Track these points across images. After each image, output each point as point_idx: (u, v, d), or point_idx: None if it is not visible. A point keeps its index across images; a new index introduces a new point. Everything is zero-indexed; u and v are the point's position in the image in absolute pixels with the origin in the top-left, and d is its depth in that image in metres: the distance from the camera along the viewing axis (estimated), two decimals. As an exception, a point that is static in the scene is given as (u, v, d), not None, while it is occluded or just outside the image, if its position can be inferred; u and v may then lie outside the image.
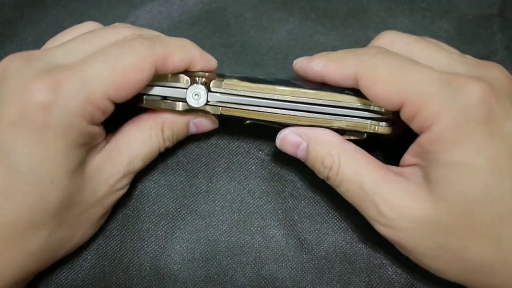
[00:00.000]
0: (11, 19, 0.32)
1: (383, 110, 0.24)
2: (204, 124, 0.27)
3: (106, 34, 0.24)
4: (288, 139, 0.25)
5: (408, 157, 0.24)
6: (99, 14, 0.33)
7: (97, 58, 0.22)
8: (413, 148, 0.23)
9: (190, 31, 0.32)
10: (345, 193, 0.24)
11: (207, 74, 0.24)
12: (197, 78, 0.24)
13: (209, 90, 0.24)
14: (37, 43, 0.32)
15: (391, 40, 0.24)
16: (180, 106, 0.25)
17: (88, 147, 0.23)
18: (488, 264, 0.21)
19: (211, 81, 0.24)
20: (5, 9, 0.33)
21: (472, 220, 0.21)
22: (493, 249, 0.21)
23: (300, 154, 0.25)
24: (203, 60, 0.25)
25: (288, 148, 0.26)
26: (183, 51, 0.24)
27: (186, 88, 0.24)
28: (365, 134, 0.25)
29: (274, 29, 0.32)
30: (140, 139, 0.25)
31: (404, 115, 0.22)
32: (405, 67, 0.22)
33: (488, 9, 0.33)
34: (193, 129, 0.27)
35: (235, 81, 0.24)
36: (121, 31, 0.24)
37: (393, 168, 0.24)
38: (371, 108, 0.24)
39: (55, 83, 0.20)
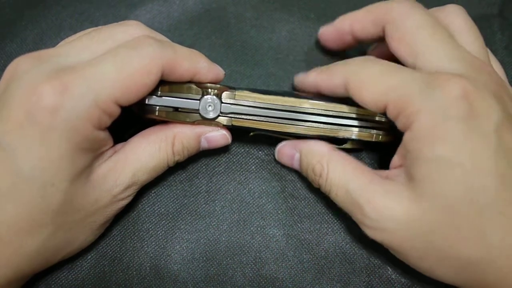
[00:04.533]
0: (11, 19, 0.32)
1: (383, 119, 0.25)
2: (216, 139, 0.26)
3: (114, 33, 0.23)
4: (284, 151, 0.27)
5: (396, 159, 0.24)
6: (99, 14, 0.33)
7: (105, 60, 0.21)
8: (399, 150, 0.23)
9: (190, 31, 0.32)
10: (335, 198, 0.25)
11: (218, 86, 0.25)
12: (209, 90, 0.24)
13: (221, 102, 0.24)
14: (37, 43, 0.32)
15: (406, 13, 0.24)
16: (193, 117, 0.25)
17: (94, 153, 0.23)
18: (474, 263, 0.21)
19: (222, 92, 0.24)
20: (5, 9, 0.33)
21: (455, 218, 0.21)
22: (477, 247, 0.21)
23: (295, 164, 0.27)
24: (211, 72, 0.25)
25: (285, 160, 0.28)
26: (191, 61, 0.24)
27: (199, 100, 0.24)
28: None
29: (274, 29, 0.32)
30: (148, 151, 0.25)
31: (389, 116, 0.23)
32: (388, 71, 0.23)
33: (488, 9, 0.33)
34: (205, 145, 0.26)
35: (246, 93, 0.25)
36: (129, 30, 0.24)
37: (380, 172, 0.24)
38: (376, 118, 0.25)
39: (62, 86, 0.20)
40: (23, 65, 0.22)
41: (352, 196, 0.23)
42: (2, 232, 0.21)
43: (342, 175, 0.24)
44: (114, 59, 0.21)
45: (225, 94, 0.25)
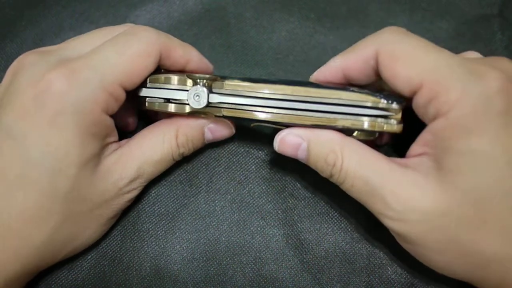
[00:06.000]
0: (11, 19, 0.32)
1: (393, 106, 0.23)
2: (219, 129, 0.26)
3: (115, 30, 0.25)
4: (287, 141, 0.24)
5: (416, 147, 0.23)
6: (99, 14, 0.33)
7: (107, 47, 0.23)
8: (423, 137, 0.22)
9: (190, 31, 0.32)
10: (350, 189, 0.23)
11: (208, 76, 0.24)
12: (198, 80, 0.24)
13: (210, 91, 0.24)
14: (37, 43, 0.32)
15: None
16: (183, 108, 0.24)
17: (101, 142, 0.23)
18: (497, 260, 0.21)
19: (212, 82, 0.24)
20: (5, 9, 0.33)
21: (484, 212, 0.20)
22: (503, 244, 0.20)
23: (300, 155, 0.24)
24: (201, 63, 0.26)
25: (287, 150, 0.24)
26: (185, 48, 0.25)
27: (188, 90, 0.24)
28: (376, 134, 0.24)
29: (274, 29, 0.32)
30: (152, 144, 0.25)
31: (420, 99, 0.21)
32: (428, 48, 0.21)
33: (488, 9, 0.33)
34: (209, 136, 0.26)
35: (236, 81, 0.24)
36: (127, 26, 0.25)
37: (398, 160, 0.24)
38: (379, 105, 0.23)
39: (69, 72, 0.21)
40: (30, 58, 0.23)
41: (372, 187, 0.22)
42: (11, 222, 0.21)
43: (360, 164, 0.23)
44: (115, 45, 0.23)
45: (214, 84, 0.24)
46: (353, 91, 0.23)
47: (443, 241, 0.22)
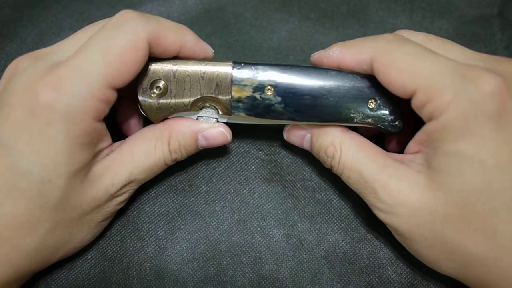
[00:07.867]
0: (11, 19, 0.32)
1: (391, 130, 0.25)
2: (214, 137, 0.26)
3: (107, 20, 0.23)
4: (294, 131, 0.27)
5: (412, 144, 0.24)
6: (99, 14, 0.33)
7: (91, 45, 0.21)
8: (418, 136, 0.23)
9: (190, 31, 0.32)
10: (347, 180, 0.25)
11: (213, 96, 0.24)
12: (204, 104, 0.25)
13: (218, 115, 0.25)
14: (37, 43, 0.32)
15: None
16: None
17: (92, 150, 0.23)
18: (481, 260, 0.21)
19: (216, 102, 0.25)
20: (5, 9, 0.33)
21: (469, 213, 0.21)
22: (487, 245, 0.21)
23: (305, 145, 0.26)
24: (198, 46, 0.24)
25: (294, 140, 0.27)
26: (177, 33, 0.23)
27: (198, 114, 0.26)
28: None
29: (274, 29, 0.32)
30: (144, 150, 0.24)
31: (415, 103, 0.22)
32: (421, 55, 0.22)
33: (488, 9, 0.33)
34: (203, 143, 0.26)
35: (242, 114, 0.25)
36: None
37: (394, 155, 0.24)
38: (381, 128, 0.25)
39: (56, 81, 0.21)
40: (22, 63, 0.23)
41: (366, 179, 0.23)
42: (1, 229, 0.21)
43: (356, 158, 0.24)
44: (98, 42, 0.21)
45: (221, 114, 0.25)
46: (356, 122, 0.25)
47: (430, 237, 0.22)
